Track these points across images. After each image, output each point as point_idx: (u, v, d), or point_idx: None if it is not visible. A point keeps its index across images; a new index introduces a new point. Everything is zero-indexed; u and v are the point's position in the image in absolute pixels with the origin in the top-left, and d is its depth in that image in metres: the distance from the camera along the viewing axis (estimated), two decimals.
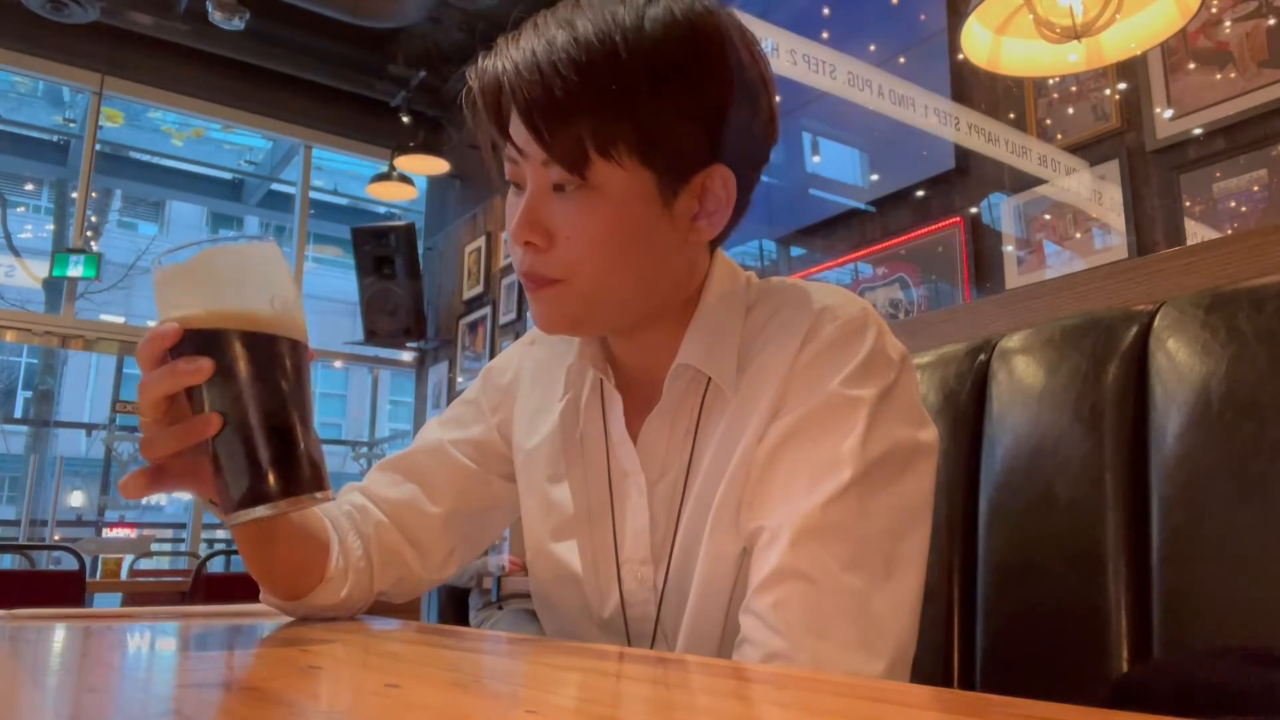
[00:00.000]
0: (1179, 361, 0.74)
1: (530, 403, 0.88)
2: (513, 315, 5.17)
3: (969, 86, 3.18)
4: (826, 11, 3.87)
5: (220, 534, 6.33)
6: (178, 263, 0.63)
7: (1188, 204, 2.57)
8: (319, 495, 0.63)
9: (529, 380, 0.89)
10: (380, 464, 0.92)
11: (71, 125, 8.84)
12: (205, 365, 0.61)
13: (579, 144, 0.67)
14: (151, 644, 0.70)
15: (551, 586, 0.83)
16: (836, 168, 3.87)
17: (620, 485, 0.79)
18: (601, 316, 0.74)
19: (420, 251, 5.83)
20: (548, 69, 0.65)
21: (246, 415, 0.61)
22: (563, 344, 0.86)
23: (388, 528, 0.86)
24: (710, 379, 0.74)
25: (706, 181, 0.72)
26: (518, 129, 0.69)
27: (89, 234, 7.67)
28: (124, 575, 4.21)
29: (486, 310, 5.41)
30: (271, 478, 0.61)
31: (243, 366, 0.61)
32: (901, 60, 3.48)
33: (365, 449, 6.88)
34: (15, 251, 9.33)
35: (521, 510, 0.87)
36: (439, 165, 5.45)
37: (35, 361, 9.89)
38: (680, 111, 0.69)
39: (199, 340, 0.61)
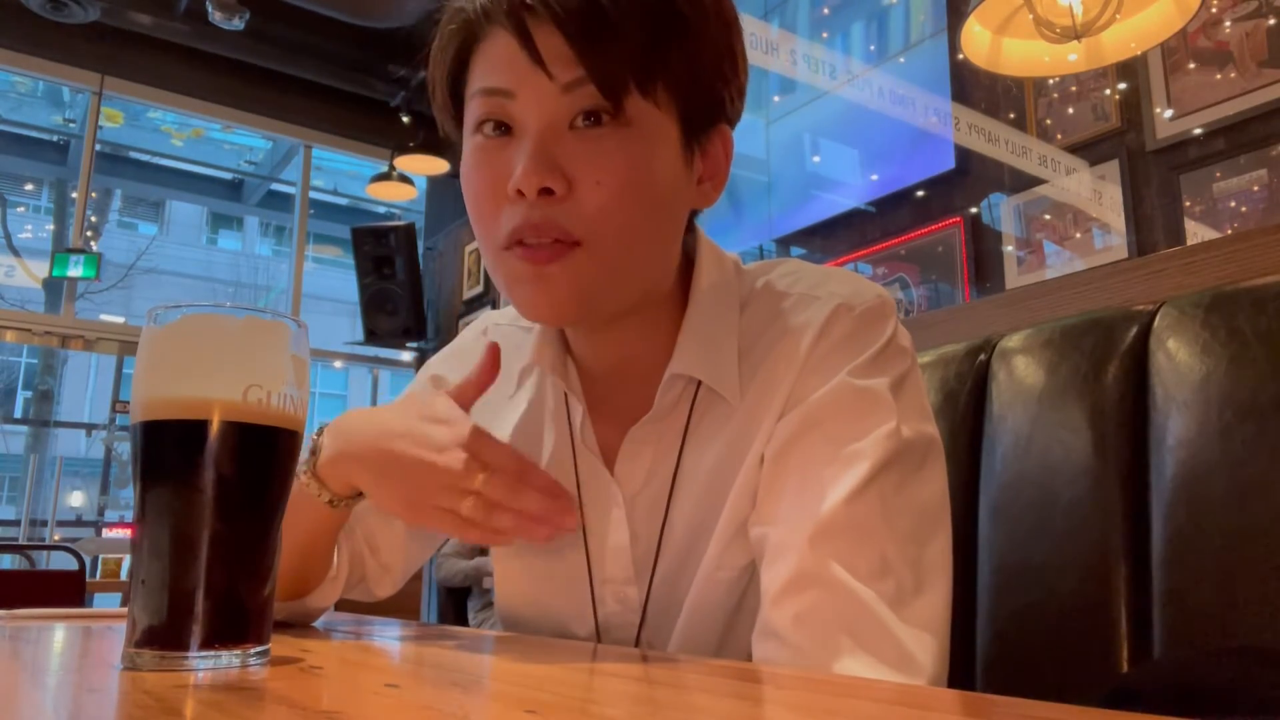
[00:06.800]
0: (1179, 361, 0.74)
1: (486, 403, 0.78)
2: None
3: (969, 86, 3.18)
4: (826, 11, 3.87)
5: None
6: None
7: (1188, 204, 2.57)
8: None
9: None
10: None
11: (71, 125, 8.83)
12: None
13: (625, 60, 0.59)
14: None
15: (520, 608, 0.78)
16: (836, 168, 3.87)
17: (592, 499, 0.72)
18: (615, 296, 0.65)
19: (420, 251, 5.83)
20: None
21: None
22: (519, 334, 0.77)
23: (355, 534, 0.80)
24: (701, 382, 0.68)
25: (718, 139, 0.68)
26: (550, 40, 0.59)
27: (89, 234, 7.67)
28: (124, 575, 4.21)
29: (486, 310, 5.40)
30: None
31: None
32: (901, 60, 3.48)
33: None
34: (15, 251, 9.33)
35: None
36: (439, 165, 5.44)
37: (35, 361, 9.88)
38: (721, 48, 0.64)
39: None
